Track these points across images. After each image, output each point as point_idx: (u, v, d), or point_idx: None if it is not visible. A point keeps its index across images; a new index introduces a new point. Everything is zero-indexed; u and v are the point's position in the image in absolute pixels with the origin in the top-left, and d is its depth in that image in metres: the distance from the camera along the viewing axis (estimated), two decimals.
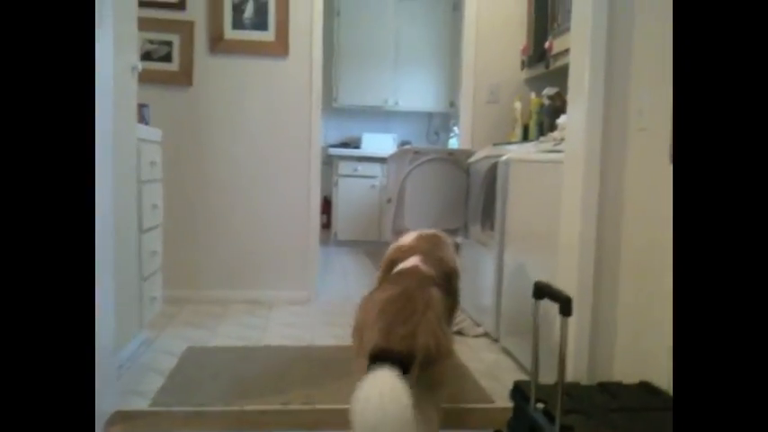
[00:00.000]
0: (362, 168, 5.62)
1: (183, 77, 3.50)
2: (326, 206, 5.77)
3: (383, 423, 1.34)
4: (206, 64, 3.51)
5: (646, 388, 1.70)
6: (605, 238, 2.01)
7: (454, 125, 5.80)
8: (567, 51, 3.09)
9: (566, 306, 1.39)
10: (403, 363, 1.49)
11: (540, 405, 1.55)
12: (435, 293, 1.82)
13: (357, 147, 5.89)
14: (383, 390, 1.37)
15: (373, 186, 5.60)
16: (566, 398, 1.57)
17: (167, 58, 3.51)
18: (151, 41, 3.49)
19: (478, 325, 3.14)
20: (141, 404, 2.09)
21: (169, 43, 3.51)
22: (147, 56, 3.45)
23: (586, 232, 2.01)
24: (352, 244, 5.65)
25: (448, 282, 2.08)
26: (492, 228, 3.00)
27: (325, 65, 3.97)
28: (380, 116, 6.14)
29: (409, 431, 1.33)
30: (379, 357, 1.52)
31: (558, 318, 1.41)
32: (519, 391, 1.67)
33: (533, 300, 1.54)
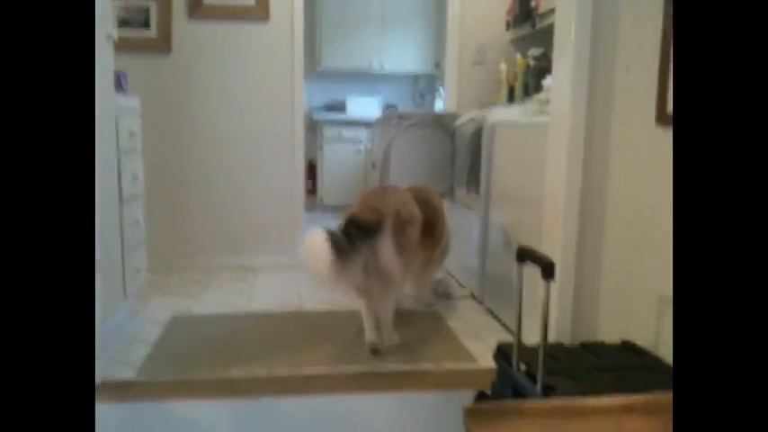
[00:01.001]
0: (348, 133, 5.56)
1: (162, 44, 3.41)
2: (312, 171, 5.72)
3: (311, 262, 2.01)
4: (185, 30, 3.42)
5: (628, 347, 1.72)
6: (590, 201, 2.00)
7: (440, 87, 5.73)
8: (553, 10, 3.04)
9: (548, 270, 1.39)
10: (369, 227, 2.13)
11: (524, 366, 1.56)
12: (408, 195, 2.38)
13: (342, 111, 5.81)
14: (312, 243, 2.01)
15: (359, 151, 5.55)
16: (549, 359, 1.59)
17: (145, 24, 3.41)
18: (127, 8, 3.38)
19: (463, 287, 3.16)
20: (128, 374, 2.09)
21: (146, 9, 3.40)
22: (123, 23, 3.35)
23: (571, 194, 2.00)
24: (339, 209, 5.58)
25: (434, 223, 2.55)
26: (477, 191, 3.00)
27: (308, 28, 3.89)
28: (365, 79, 6.04)
29: (326, 269, 1.98)
30: (349, 223, 2.14)
31: (541, 280, 1.41)
32: (502, 353, 1.68)
33: (517, 263, 1.54)
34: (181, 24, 3.40)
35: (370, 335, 2.33)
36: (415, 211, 2.37)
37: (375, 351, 2.28)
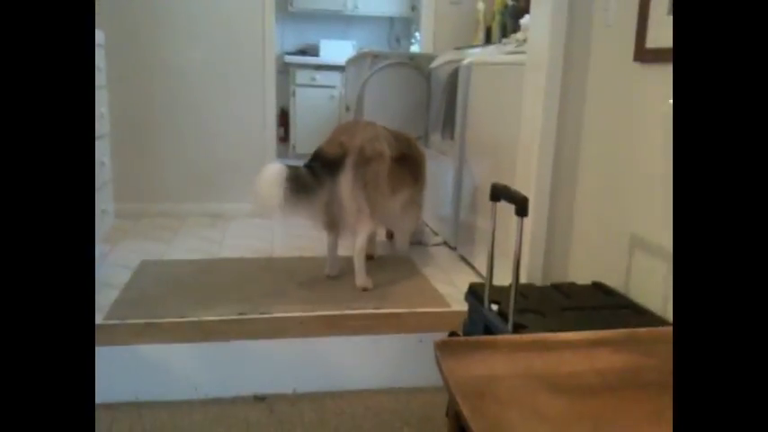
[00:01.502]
0: (321, 77, 5.41)
1: None
2: (284, 118, 5.59)
3: (263, 200, 2.09)
4: None
5: (599, 288, 1.73)
6: (565, 140, 1.98)
7: (416, 31, 5.59)
8: None
9: (521, 207, 1.36)
10: (333, 161, 2.22)
11: (495, 306, 1.56)
12: (383, 131, 2.41)
13: (315, 55, 5.64)
14: (265, 173, 2.09)
15: (332, 97, 5.42)
16: (520, 298, 1.59)
17: None
18: None
19: (437, 234, 3.15)
20: (95, 318, 2.04)
21: None
22: None
23: (546, 134, 1.97)
24: None
25: (416, 165, 2.61)
26: (452, 136, 2.95)
27: None
28: (339, 21, 5.85)
29: (277, 196, 2.07)
30: (314, 158, 2.25)
31: (514, 221, 1.39)
32: (473, 293, 1.68)
33: (490, 202, 1.51)
34: None
35: (329, 269, 2.45)
36: (382, 148, 2.34)
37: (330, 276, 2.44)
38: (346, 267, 2.48)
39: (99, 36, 2.58)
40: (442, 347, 1.11)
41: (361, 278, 2.35)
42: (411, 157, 2.57)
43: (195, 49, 3.36)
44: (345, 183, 2.23)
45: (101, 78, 2.58)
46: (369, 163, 2.27)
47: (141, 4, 3.26)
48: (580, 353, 1.12)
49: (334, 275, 2.49)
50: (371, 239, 2.87)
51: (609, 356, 1.12)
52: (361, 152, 2.26)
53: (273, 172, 2.09)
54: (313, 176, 2.20)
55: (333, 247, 2.49)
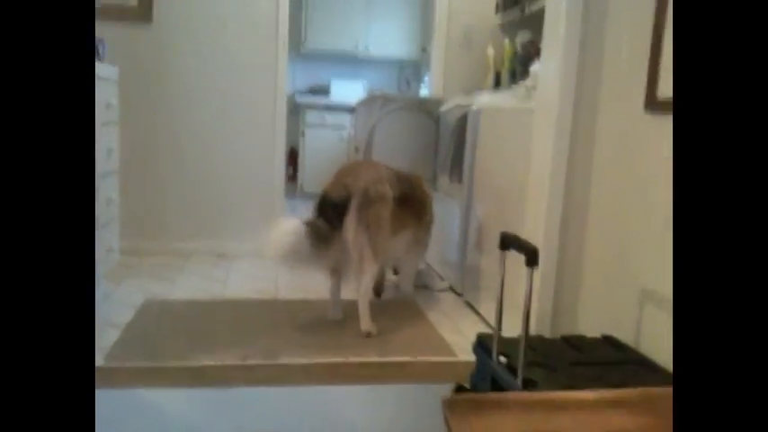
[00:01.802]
0: (331, 118, 5.47)
1: (142, 13, 3.28)
2: (293, 157, 5.63)
3: (272, 240, 2.18)
4: (166, 0, 3.29)
5: (609, 341, 1.68)
6: (574, 189, 1.96)
7: (425, 74, 5.66)
8: None
9: (532, 257, 1.33)
10: (339, 205, 2.24)
11: (503, 358, 1.52)
12: (386, 172, 2.41)
13: (326, 94, 5.71)
14: (281, 225, 2.20)
15: (342, 138, 5.46)
16: (529, 351, 1.54)
17: None
18: None
19: (443, 279, 3.11)
20: (96, 359, 2.00)
21: None
22: None
23: (555, 182, 1.95)
24: None
25: (420, 206, 2.60)
26: (460, 180, 2.94)
27: (294, 6, 3.78)
28: (350, 62, 5.94)
29: (284, 248, 2.15)
30: (322, 201, 2.30)
31: (522, 271, 1.36)
32: (481, 345, 1.63)
33: (499, 251, 1.48)
34: None
35: (333, 313, 2.45)
36: (385, 189, 2.33)
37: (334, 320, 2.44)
38: (350, 311, 2.44)
39: (112, 72, 2.62)
40: (450, 406, 1.06)
41: (365, 323, 2.31)
42: (414, 197, 2.56)
43: (207, 85, 3.40)
44: (350, 225, 2.23)
45: (113, 115, 2.60)
46: (372, 205, 2.27)
47: (155, 42, 3.32)
48: (594, 414, 1.08)
49: (337, 319, 2.45)
50: (380, 276, 2.85)
51: (623, 418, 1.07)
52: (365, 194, 2.26)
53: (285, 226, 2.18)
54: (329, 226, 2.23)
55: (336, 290, 2.46)
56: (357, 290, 2.33)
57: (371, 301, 2.37)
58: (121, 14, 3.25)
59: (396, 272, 3.01)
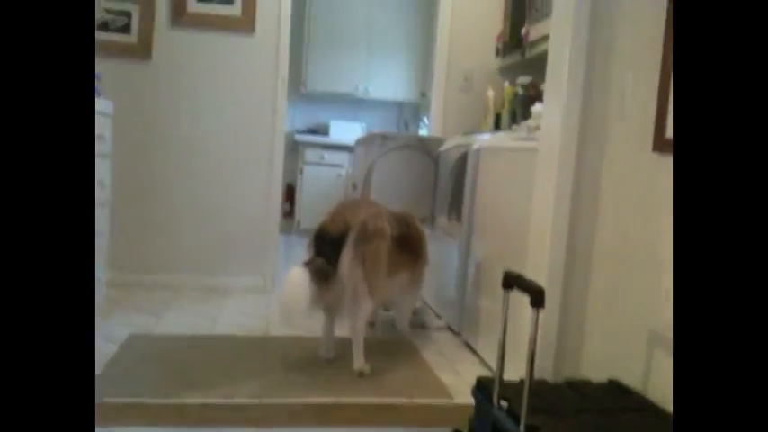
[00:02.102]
0: (329, 157, 5.46)
1: (142, 50, 3.29)
2: (290, 194, 5.59)
3: (287, 298, 2.12)
4: (166, 37, 3.30)
5: (615, 387, 1.60)
6: (578, 229, 1.91)
7: (424, 116, 5.68)
8: (543, 39, 3.00)
9: (538, 297, 1.27)
10: (337, 240, 2.17)
11: (504, 403, 1.43)
12: (384, 210, 2.37)
13: (325, 134, 5.72)
14: (291, 278, 2.12)
15: (340, 175, 5.44)
16: (531, 396, 1.46)
17: (125, 29, 3.29)
18: (108, 11, 3.27)
19: (440, 317, 3.03)
20: None
21: (128, 14, 3.29)
22: (103, 26, 3.24)
23: (559, 223, 1.90)
24: None
25: (415, 245, 2.54)
26: (459, 219, 2.89)
27: (294, 48, 3.80)
28: (350, 104, 5.98)
29: (301, 303, 2.09)
30: (319, 236, 2.24)
31: (523, 311, 1.29)
32: (481, 388, 1.55)
33: (503, 290, 1.42)
34: (163, 31, 3.29)
35: (325, 351, 2.36)
36: (384, 226, 2.28)
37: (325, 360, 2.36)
38: (342, 349, 2.35)
39: (107, 106, 2.59)
40: None
41: (358, 361, 2.22)
42: (410, 237, 2.51)
43: (204, 122, 3.38)
44: (346, 259, 2.17)
45: (105, 147, 2.56)
46: (370, 240, 2.21)
47: (153, 79, 3.31)
48: None
49: (329, 358, 2.36)
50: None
51: None
52: (363, 228, 2.21)
53: (295, 279, 2.11)
54: (330, 264, 2.17)
55: (329, 327, 2.38)
56: (350, 327, 2.25)
57: (365, 338, 2.29)
58: (121, 51, 3.26)
59: (386, 308, 2.94)
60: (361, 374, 2.20)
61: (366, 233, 2.20)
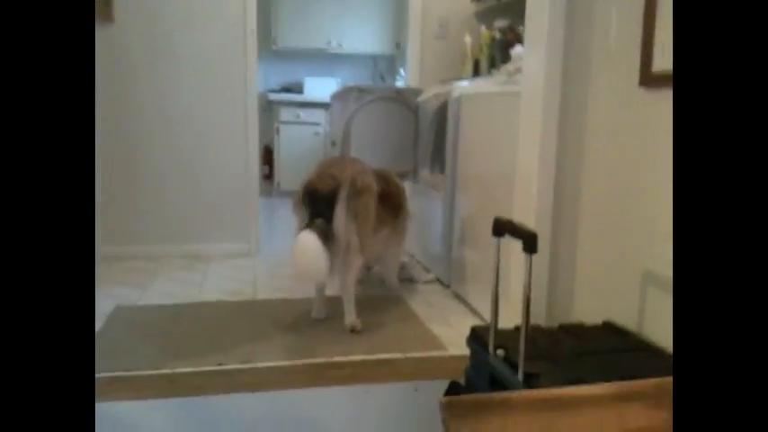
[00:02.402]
0: (305, 115, 5.34)
1: (103, 12, 3.12)
2: (268, 155, 5.48)
3: (307, 267, 2.06)
4: None
5: (610, 328, 1.59)
6: (565, 173, 1.87)
7: (400, 68, 5.55)
8: None
9: (530, 242, 1.24)
10: (329, 197, 2.12)
11: (501, 352, 1.42)
12: (367, 166, 2.34)
13: (299, 92, 5.58)
14: (305, 246, 2.04)
15: (317, 133, 5.34)
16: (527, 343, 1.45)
17: None
18: None
19: (429, 271, 3.01)
20: None
21: None
22: None
23: (545, 165, 1.86)
24: None
25: (396, 200, 2.53)
26: (442, 170, 2.84)
27: (262, 4, 3.64)
28: (323, 59, 5.81)
29: (322, 269, 2.04)
30: (311, 195, 2.17)
31: (514, 258, 1.26)
32: (476, 338, 1.53)
33: (494, 237, 1.38)
34: None
35: (316, 312, 2.33)
36: (370, 181, 2.27)
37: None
38: (334, 308, 2.33)
39: None
40: (448, 407, 0.96)
41: (350, 317, 2.20)
42: (390, 193, 2.50)
43: (174, 85, 3.25)
44: (339, 215, 2.13)
45: None
46: (360, 195, 2.19)
47: (117, 42, 3.16)
48: (607, 410, 0.98)
49: (321, 318, 2.33)
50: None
51: (640, 414, 0.97)
52: (353, 184, 2.18)
53: (311, 245, 2.02)
54: (328, 222, 2.12)
55: (321, 287, 2.34)
56: (341, 283, 2.22)
57: (357, 295, 2.26)
58: None
59: (368, 267, 2.91)
60: (353, 330, 2.18)
61: (356, 188, 2.18)
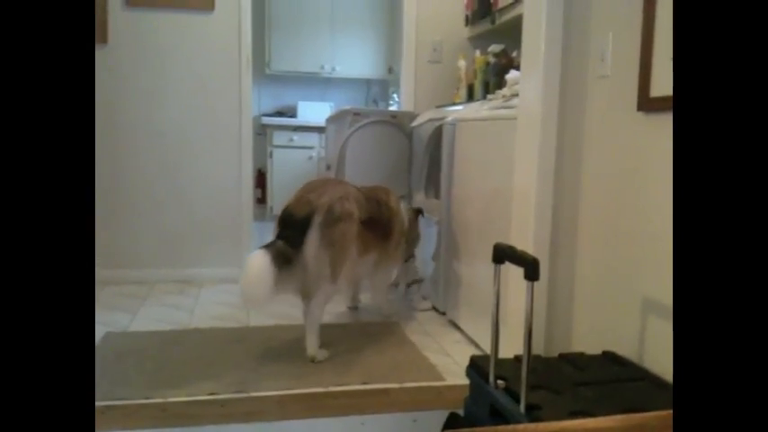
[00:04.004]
0: (299, 138, 5.33)
1: (97, 34, 3.12)
2: (261, 179, 5.46)
3: (247, 288, 1.99)
4: (122, 18, 3.14)
5: (610, 358, 1.56)
6: (563, 199, 1.86)
7: (393, 93, 5.58)
8: (512, 5, 2.93)
9: (532, 269, 1.22)
10: (302, 222, 2.08)
11: (501, 382, 1.38)
12: (353, 190, 2.28)
13: (293, 116, 5.58)
14: (250, 265, 1.98)
15: (311, 157, 5.33)
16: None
17: None
18: None
19: (425, 298, 2.98)
20: None
21: None
22: None
23: (543, 190, 1.85)
24: None
25: (387, 224, 2.45)
26: (437, 195, 2.83)
27: (256, 28, 3.66)
28: (317, 84, 5.84)
29: (264, 292, 1.95)
30: (282, 219, 2.14)
31: (513, 285, 1.24)
32: (476, 368, 1.50)
33: (494, 265, 1.36)
34: (117, 12, 3.12)
35: (309, 349, 2.18)
36: (351, 207, 2.19)
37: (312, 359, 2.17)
38: (327, 336, 2.29)
39: None
40: None
41: (311, 348, 2.15)
42: (380, 217, 2.42)
43: (168, 108, 3.24)
44: (311, 243, 2.08)
45: None
46: (336, 223, 2.12)
47: (111, 64, 3.15)
48: None
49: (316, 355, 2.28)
50: (355, 286, 2.77)
51: None
52: (329, 211, 2.12)
53: (258, 262, 1.96)
54: (291, 247, 2.06)
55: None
56: (305, 310, 2.18)
57: (349, 323, 2.23)
58: None
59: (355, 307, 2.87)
60: (312, 360, 2.13)
61: (333, 216, 2.12)
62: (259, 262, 1.96)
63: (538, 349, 1.86)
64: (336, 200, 2.16)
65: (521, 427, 0.99)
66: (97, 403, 1.77)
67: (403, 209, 2.64)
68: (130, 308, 2.80)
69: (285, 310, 2.71)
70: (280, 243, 2.06)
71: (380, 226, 2.41)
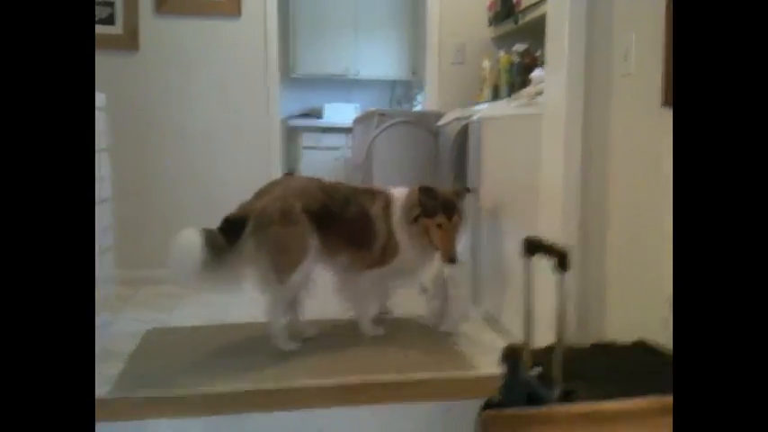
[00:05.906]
0: (326, 140, 5.42)
1: (129, 41, 3.24)
2: None
3: (175, 260, 2.07)
4: (152, 26, 3.25)
5: (642, 347, 1.60)
6: (590, 193, 1.90)
7: (417, 94, 5.64)
8: (535, 5, 2.97)
9: (562, 261, 1.27)
10: (234, 225, 2.13)
11: (537, 369, 1.44)
12: (306, 187, 2.27)
13: (319, 117, 5.67)
14: (179, 238, 2.08)
15: (337, 158, 5.41)
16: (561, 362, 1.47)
17: (110, 20, 3.23)
18: None
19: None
20: (100, 391, 1.90)
21: (111, 4, 3.23)
22: None
23: (570, 187, 1.90)
24: None
25: (362, 223, 2.28)
26: None
27: (282, 32, 3.75)
28: (341, 86, 5.92)
29: (189, 268, 2.03)
30: (223, 223, 2.17)
31: (543, 276, 1.29)
32: (510, 356, 1.55)
33: (524, 257, 1.42)
34: (148, 20, 3.24)
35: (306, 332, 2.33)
36: (291, 206, 2.16)
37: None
38: (354, 329, 2.36)
39: (99, 98, 2.55)
40: (488, 422, 0.99)
41: (280, 341, 2.24)
42: (345, 215, 2.26)
43: (198, 111, 3.35)
44: (247, 249, 2.13)
45: (102, 141, 2.53)
46: (269, 226, 2.14)
47: (143, 70, 3.26)
48: (646, 425, 1.00)
49: (310, 336, 2.37)
50: (384, 295, 2.63)
51: None
52: (260, 215, 2.15)
53: (187, 236, 2.04)
54: (226, 241, 2.11)
55: (291, 309, 2.37)
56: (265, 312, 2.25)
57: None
58: (107, 43, 3.20)
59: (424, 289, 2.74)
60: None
61: (265, 219, 2.14)
62: (189, 237, 2.04)
63: (570, 338, 1.90)
64: (271, 201, 2.17)
65: (555, 408, 1.05)
66: (147, 394, 1.87)
67: (396, 216, 2.35)
68: (168, 306, 2.90)
69: (316, 306, 2.79)
70: (214, 230, 2.11)
71: (350, 227, 2.27)
